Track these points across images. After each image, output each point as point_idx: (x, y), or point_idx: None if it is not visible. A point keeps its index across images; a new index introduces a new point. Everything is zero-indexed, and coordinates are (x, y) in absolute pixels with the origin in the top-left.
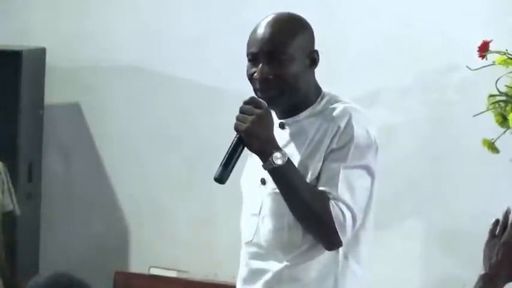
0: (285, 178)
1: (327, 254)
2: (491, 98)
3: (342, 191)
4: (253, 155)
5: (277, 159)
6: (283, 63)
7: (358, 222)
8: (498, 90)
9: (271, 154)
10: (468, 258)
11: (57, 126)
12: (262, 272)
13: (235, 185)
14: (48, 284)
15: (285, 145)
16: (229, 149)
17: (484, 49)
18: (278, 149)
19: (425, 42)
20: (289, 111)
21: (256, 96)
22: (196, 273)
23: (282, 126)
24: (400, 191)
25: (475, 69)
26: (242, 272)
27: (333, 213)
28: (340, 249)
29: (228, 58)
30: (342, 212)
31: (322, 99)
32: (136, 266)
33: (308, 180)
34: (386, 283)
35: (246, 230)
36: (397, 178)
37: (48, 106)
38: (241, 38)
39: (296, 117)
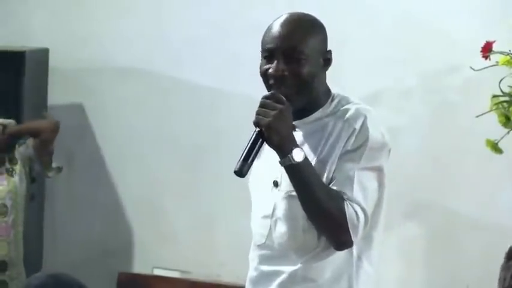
0: (302, 175)
1: (340, 255)
2: (494, 98)
3: (356, 192)
4: (261, 156)
5: (296, 155)
6: (299, 61)
7: (368, 222)
8: (501, 91)
9: (290, 150)
10: (471, 259)
11: (61, 127)
12: (276, 273)
13: (237, 186)
14: (45, 283)
15: (311, 143)
16: (248, 142)
17: (487, 50)
18: (297, 145)
19: (427, 43)
20: (299, 113)
21: (276, 92)
22: (200, 274)
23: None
24: (403, 191)
25: (479, 70)
26: (252, 274)
27: (347, 213)
28: (354, 250)
29: (230, 60)
30: (356, 213)
31: (332, 100)
32: (140, 266)
33: (323, 181)
34: (389, 284)
35: (258, 233)
36: (399, 178)
37: (52, 107)
38: (242, 40)
39: (306, 119)
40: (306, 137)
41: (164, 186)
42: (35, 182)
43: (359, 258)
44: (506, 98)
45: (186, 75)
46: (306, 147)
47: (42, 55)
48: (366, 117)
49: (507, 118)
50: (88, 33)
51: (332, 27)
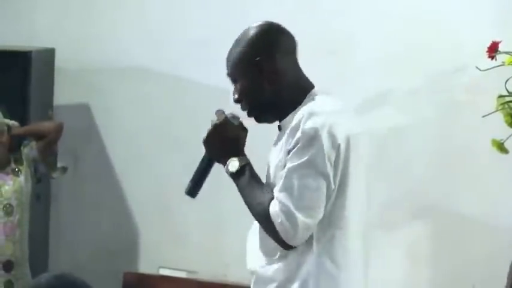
0: (238, 183)
1: (300, 253)
2: (500, 98)
3: (280, 190)
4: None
5: (231, 166)
6: (238, 82)
7: (306, 220)
8: (507, 91)
9: (226, 162)
10: (477, 259)
11: (66, 126)
12: (252, 273)
13: None
14: (51, 284)
15: (278, 145)
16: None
17: (493, 50)
18: (235, 155)
19: (434, 43)
20: (281, 115)
21: (220, 109)
22: (206, 274)
23: (279, 128)
24: (409, 191)
25: (485, 70)
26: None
27: (270, 213)
28: (315, 247)
29: None
30: (276, 211)
31: (307, 99)
32: (145, 266)
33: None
34: (395, 283)
35: (249, 235)
36: (406, 178)
37: (57, 107)
38: None
39: (284, 121)
40: (280, 138)
41: (170, 186)
42: (41, 182)
43: (319, 256)
44: None
45: (192, 76)
46: (278, 148)
47: (48, 55)
48: (303, 116)
49: None
50: (94, 33)
51: (341, 28)
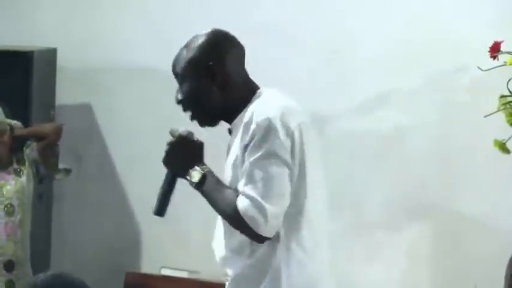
0: (204, 192)
1: (269, 244)
2: (502, 98)
3: (245, 184)
4: None
5: (193, 177)
6: (182, 84)
7: (274, 209)
8: (509, 91)
9: (187, 175)
10: (479, 259)
11: (68, 127)
12: (227, 275)
13: None
14: (48, 283)
15: (232, 147)
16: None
17: (495, 50)
18: (194, 168)
19: (435, 43)
20: (231, 117)
21: (174, 127)
22: (207, 274)
23: (229, 131)
24: (410, 190)
25: (487, 70)
26: None
27: (239, 209)
28: (283, 235)
29: None
30: (244, 206)
31: (255, 97)
32: (147, 266)
33: (238, 176)
34: (395, 283)
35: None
36: (406, 178)
37: (60, 107)
38: (250, 40)
39: (234, 121)
40: (233, 138)
41: None
42: (43, 183)
43: (288, 244)
44: None
45: None
46: (232, 150)
47: (50, 55)
48: (254, 111)
49: None
50: (96, 33)
51: (342, 29)
